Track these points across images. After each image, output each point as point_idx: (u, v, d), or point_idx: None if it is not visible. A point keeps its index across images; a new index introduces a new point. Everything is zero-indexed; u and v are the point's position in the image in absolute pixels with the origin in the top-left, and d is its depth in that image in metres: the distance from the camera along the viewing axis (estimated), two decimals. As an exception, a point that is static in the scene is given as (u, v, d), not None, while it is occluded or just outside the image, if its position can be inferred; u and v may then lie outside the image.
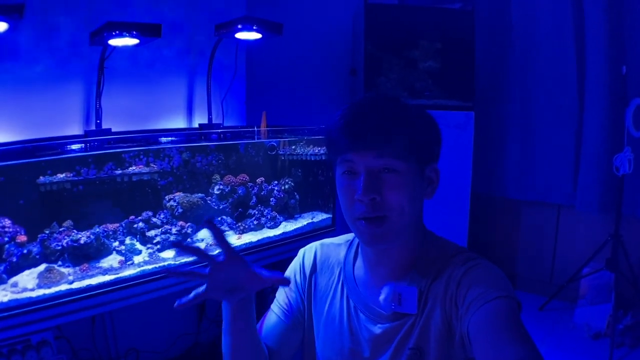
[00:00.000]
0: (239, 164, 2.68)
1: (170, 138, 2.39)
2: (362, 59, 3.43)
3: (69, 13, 2.14)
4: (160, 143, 2.34)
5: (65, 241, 1.94)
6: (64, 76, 2.18)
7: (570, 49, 3.41)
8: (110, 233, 2.13)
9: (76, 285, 1.82)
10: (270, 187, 2.66)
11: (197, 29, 2.62)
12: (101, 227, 2.09)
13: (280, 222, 2.61)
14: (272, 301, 1.18)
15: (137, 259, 2.08)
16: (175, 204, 2.34)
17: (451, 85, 3.55)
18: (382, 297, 0.99)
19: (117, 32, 1.94)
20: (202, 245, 2.25)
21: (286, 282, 0.97)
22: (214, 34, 2.44)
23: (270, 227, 2.54)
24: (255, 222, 2.52)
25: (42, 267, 1.88)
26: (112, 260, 2.03)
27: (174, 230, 2.24)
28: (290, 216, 2.69)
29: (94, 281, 1.86)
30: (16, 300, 1.68)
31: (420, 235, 1.02)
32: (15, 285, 1.76)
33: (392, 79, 3.51)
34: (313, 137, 2.70)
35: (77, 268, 1.91)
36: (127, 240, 2.18)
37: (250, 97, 2.98)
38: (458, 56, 3.52)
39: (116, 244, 2.12)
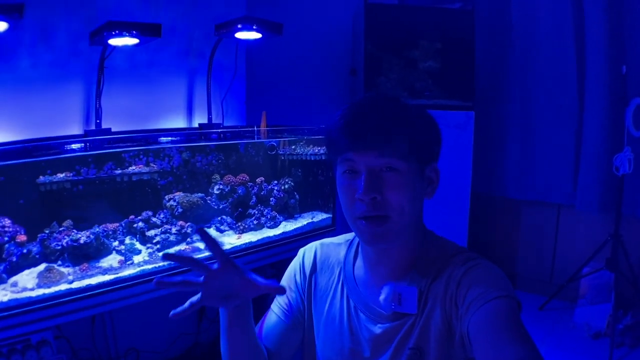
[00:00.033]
0: (239, 163, 2.68)
1: (170, 138, 2.39)
2: (362, 59, 3.43)
3: (69, 13, 2.14)
4: (160, 143, 2.34)
5: (65, 241, 1.94)
6: (63, 76, 2.18)
7: (570, 48, 3.41)
8: (110, 233, 2.13)
9: (76, 284, 1.82)
10: (270, 186, 2.66)
11: (197, 29, 2.62)
12: (101, 226, 2.09)
13: (280, 222, 2.61)
14: (271, 301, 1.18)
15: (136, 258, 2.08)
16: (175, 204, 2.34)
17: (451, 85, 3.55)
18: (382, 297, 0.99)
19: (117, 31, 1.93)
20: (201, 246, 2.25)
21: (282, 291, 0.96)
22: (214, 33, 2.44)
23: (270, 227, 2.54)
24: (255, 222, 2.52)
25: (42, 266, 1.88)
26: (112, 260, 2.03)
27: (173, 230, 2.24)
28: (290, 216, 2.69)
29: (93, 281, 1.86)
30: (16, 299, 1.68)
31: (420, 235, 1.02)
32: (15, 284, 1.76)
33: (392, 79, 3.51)
34: (313, 137, 2.70)
35: (77, 268, 1.91)
36: (127, 240, 2.18)
37: (250, 97, 2.98)
38: (458, 56, 3.52)
39: (116, 243, 2.12)
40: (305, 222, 2.65)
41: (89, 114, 2.28)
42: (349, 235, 1.16)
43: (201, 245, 2.26)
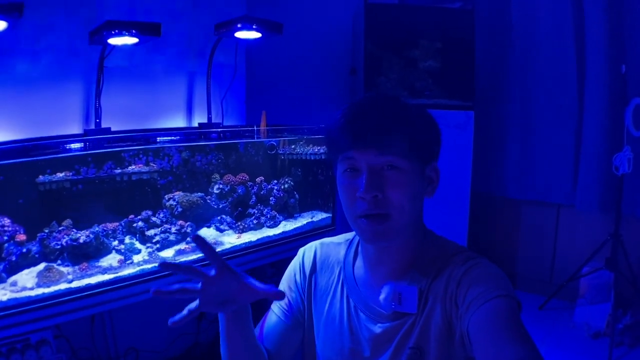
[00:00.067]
0: (239, 163, 2.68)
1: (169, 137, 2.39)
2: (362, 59, 3.43)
3: (68, 12, 2.14)
4: (160, 142, 2.33)
5: (64, 240, 1.94)
6: (63, 75, 2.18)
7: (570, 48, 3.41)
8: (110, 232, 2.13)
9: (75, 284, 1.82)
10: (269, 186, 2.66)
11: (196, 28, 2.61)
12: (100, 226, 2.09)
13: (280, 222, 2.61)
14: (271, 301, 1.18)
15: (136, 258, 2.08)
16: (174, 203, 2.34)
17: (451, 85, 3.55)
18: (382, 297, 0.99)
19: (117, 31, 1.93)
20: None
21: (280, 296, 0.95)
22: (214, 33, 2.43)
23: (269, 227, 2.54)
24: (254, 222, 2.52)
25: (42, 266, 1.88)
26: (112, 259, 2.03)
27: (173, 229, 2.24)
28: (289, 215, 2.69)
29: (93, 280, 1.86)
30: (15, 299, 1.68)
31: (420, 235, 1.02)
32: (14, 284, 1.76)
33: (392, 78, 3.51)
34: (313, 137, 2.70)
35: (77, 267, 1.91)
36: (127, 240, 2.18)
37: (250, 96, 2.98)
38: (458, 56, 3.52)
39: (115, 243, 2.12)
40: (305, 222, 2.65)
41: (88, 114, 2.28)
42: (349, 235, 1.16)
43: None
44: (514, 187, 3.86)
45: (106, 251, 2.06)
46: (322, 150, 2.67)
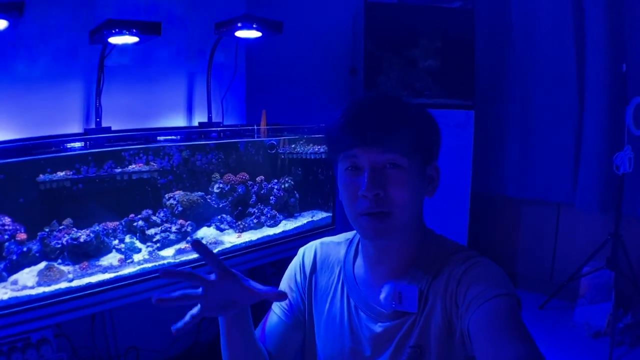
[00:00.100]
0: (239, 162, 2.68)
1: (170, 136, 2.39)
2: (362, 58, 3.43)
3: (69, 11, 2.14)
4: (160, 141, 2.34)
5: (65, 239, 1.94)
6: (63, 74, 2.18)
7: (570, 47, 3.41)
8: (110, 231, 2.13)
9: (76, 283, 1.83)
10: (270, 185, 2.66)
11: (197, 27, 2.61)
12: (101, 225, 2.09)
13: (280, 221, 2.61)
14: (271, 302, 1.18)
15: (136, 257, 2.09)
16: (175, 203, 2.34)
17: (451, 84, 3.54)
18: (382, 296, 0.99)
19: (117, 30, 1.93)
20: (201, 243, 2.25)
21: (282, 297, 0.95)
22: (214, 32, 2.43)
23: (270, 226, 2.54)
24: (255, 221, 2.52)
25: (42, 265, 1.89)
26: (112, 258, 2.03)
27: (173, 228, 2.24)
28: (290, 215, 2.69)
29: (93, 279, 1.87)
30: (16, 298, 1.69)
31: (420, 234, 1.02)
32: (15, 283, 1.76)
33: (392, 78, 3.51)
34: (313, 136, 2.70)
35: (77, 266, 1.92)
36: (127, 239, 2.18)
37: (250, 95, 2.98)
38: (458, 55, 3.52)
39: (116, 242, 2.12)
40: (305, 221, 2.65)
41: (89, 113, 2.28)
42: (349, 234, 1.16)
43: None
44: (514, 187, 3.86)
45: (106, 250, 2.07)
46: (322, 150, 2.67)
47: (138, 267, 2.00)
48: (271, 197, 2.63)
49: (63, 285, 1.80)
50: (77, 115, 2.27)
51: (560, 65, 3.49)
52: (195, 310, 0.87)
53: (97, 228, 2.06)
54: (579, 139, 3.47)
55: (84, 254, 1.98)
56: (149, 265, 2.03)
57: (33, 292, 1.73)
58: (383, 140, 0.91)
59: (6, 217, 1.85)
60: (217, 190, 2.53)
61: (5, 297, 1.68)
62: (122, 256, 2.04)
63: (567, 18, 3.39)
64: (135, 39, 2.04)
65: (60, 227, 1.99)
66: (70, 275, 1.86)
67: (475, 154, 3.52)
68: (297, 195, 2.74)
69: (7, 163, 1.81)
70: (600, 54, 3.23)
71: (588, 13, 3.27)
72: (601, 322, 3.12)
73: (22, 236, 1.87)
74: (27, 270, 1.85)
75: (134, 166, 2.27)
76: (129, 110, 2.42)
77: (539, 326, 3.25)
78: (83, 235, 1.97)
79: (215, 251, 2.11)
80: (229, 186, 2.54)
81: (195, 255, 2.13)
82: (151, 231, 2.21)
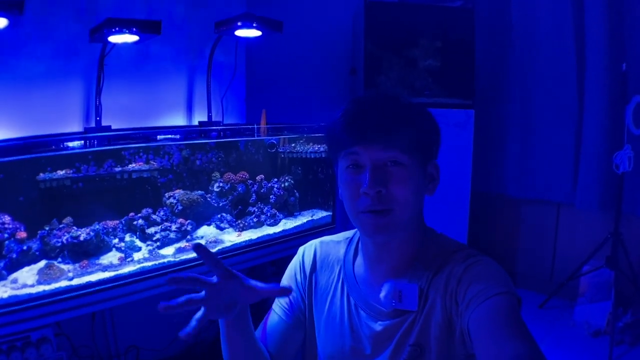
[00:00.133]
0: (239, 161, 2.68)
1: (170, 135, 2.39)
2: (362, 58, 3.43)
3: (69, 9, 2.14)
4: (160, 140, 2.33)
5: (65, 238, 1.94)
6: (63, 73, 2.18)
7: (570, 46, 3.41)
8: (110, 230, 2.13)
9: (76, 281, 1.83)
10: (270, 184, 2.66)
11: (196, 26, 2.61)
12: (101, 224, 2.09)
13: (280, 220, 2.61)
14: (272, 301, 1.18)
15: (136, 255, 2.09)
16: (175, 201, 2.34)
17: (451, 84, 3.54)
18: (382, 294, 0.99)
19: (117, 28, 1.93)
20: (202, 243, 2.25)
21: (286, 292, 0.95)
22: (214, 31, 2.43)
23: (270, 225, 2.54)
24: (255, 220, 2.52)
25: (42, 263, 1.89)
26: (112, 257, 2.03)
27: (173, 227, 2.24)
28: (290, 214, 2.70)
29: (93, 278, 1.87)
30: (16, 296, 1.69)
31: (420, 232, 1.02)
32: (15, 281, 1.76)
33: (392, 77, 3.50)
34: (313, 135, 2.70)
35: (77, 265, 1.92)
36: (127, 237, 2.18)
37: (250, 94, 2.98)
38: (458, 54, 3.51)
39: (116, 241, 2.12)
40: (305, 220, 2.65)
41: (88, 112, 2.28)
42: (349, 233, 1.16)
43: (201, 242, 2.26)
44: (514, 186, 3.86)
45: (106, 249, 2.07)
46: (322, 149, 2.67)
47: (138, 266, 2.00)
48: (271, 196, 2.63)
49: (63, 283, 1.80)
50: (77, 114, 2.27)
51: (560, 64, 3.49)
52: (199, 314, 0.87)
53: (97, 227, 2.06)
54: (578, 138, 3.47)
55: (84, 253, 1.98)
56: (149, 264, 2.03)
57: (33, 290, 1.73)
58: (384, 138, 0.91)
59: (6, 216, 1.85)
60: (217, 189, 2.53)
61: (5, 295, 1.68)
62: (122, 255, 2.04)
63: (567, 17, 3.39)
64: (135, 38, 2.03)
65: (60, 226, 1.99)
66: (70, 274, 1.86)
67: (475, 154, 3.52)
68: (297, 194, 2.74)
69: (7, 161, 1.81)
70: (600, 53, 3.23)
71: (588, 12, 3.27)
72: (601, 321, 3.12)
73: (22, 235, 1.87)
74: (27, 268, 1.85)
75: (134, 165, 2.27)
76: (129, 109, 2.42)
77: (539, 325, 3.25)
78: (83, 233, 1.97)
79: (215, 250, 2.13)
80: (229, 185, 2.54)
81: (194, 254, 2.13)
82: (151, 230, 2.21)
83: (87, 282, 1.83)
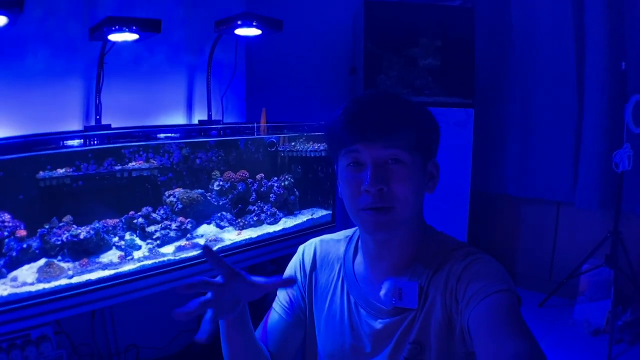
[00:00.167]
0: (239, 160, 2.68)
1: (170, 134, 2.39)
2: (362, 57, 3.42)
3: (69, 8, 2.14)
4: (160, 139, 2.33)
5: (64, 236, 1.94)
6: (63, 71, 2.18)
7: (570, 45, 3.41)
8: (110, 228, 2.13)
9: (76, 280, 1.82)
10: (270, 183, 2.66)
11: (196, 25, 2.61)
12: (101, 222, 2.09)
13: (280, 218, 2.61)
14: (272, 300, 1.18)
15: (136, 254, 2.09)
16: (175, 200, 2.34)
17: (451, 83, 3.54)
18: (382, 292, 0.99)
19: (117, 27, 1.93)
20: (201, 241, 2.26)
21: (290, 282, 0.97)
22: (214, 30, 2.43)
23: (270, 223, 2.55)
24: (255, 218, 2.52)
25: (42, 261, 1.89)
26: (112, 255, 2.03)
27: (173, 225, 2.24)
28: (290, 212, 2.70)
29: (93, 276, 1.87)
30: (16, 294, 1.68)
31: (420, 230, 1.02)
32: (14, 279, 1.76)
33: (392, 76, 3.50)
34: (313, 134, 2.70)
35: (77, 263, 1.92)
36: (127, 236, 2.18)
37: (250, 93, 2.98)
38: (458, 53, 3.51)
39: (116, 239, 2.12)
40: (305, 219, 2.65)
41: (88, 110, 2.28)
42: (349, 232, 1.16)
43: (201, 241, 2.27)
44: (514, 185, 3.86)
45: (106, 247, 2.07)
46: (322, 147, 2.67)
47: (138, 264, 2.00)
48: (271, 195, 2.63)
49: (63, 281, 1.80)
50: (77, 113, 2.27)
51: (560, 63, 3.49)
52: (208, 315, 0.87)
53: (97, 225, 2.06)
54: (578, 137, 3.47)
55: (84, 251, 1.98)
56: (149, 262, 2.03)
57: (33, 288, 1.73)
58: (385, 136, 0.91)
59: (6, 214, 1.85)
60: (217, 188, 2.54)
61: (5, 293, 1.67)
62: (122, 253, 2.04)
63: (567, 16, 3.40)
64: (135, 37, 2.03)
65: (60, 224, 1.99)
66: (70, 272, 1.86)
67: (475, 153, 3.52)
68: (297, 192, 2.74)
69: (6, 159, 1.80)
70: (600, 52, 3.23)
71: (588, 11, 3.27)
72: (600, 319, 3.12)
73: (22, 233, 1.87)
74: (26, 266, 1.85)
75: (134, 163, 2.27)
76: (129, 107, 2.42)
77: (538, 324, 3.25)
78: (83, 232, 1.97)
79: (215, 248, 2.12)
80: (229, 184, 2.54)
81: (194, 253, 2.14)
82: (151, 228, 2.21)
83: (87, 281, 1.83)
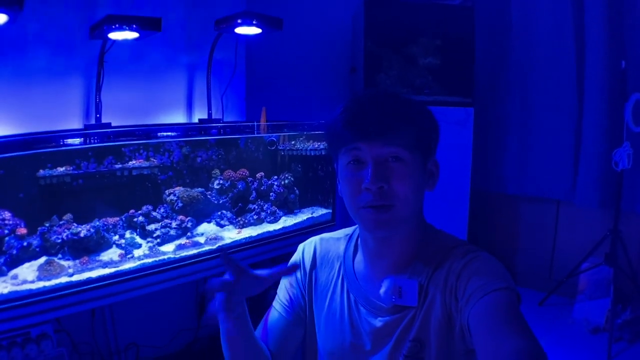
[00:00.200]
0: (239, 158, 2.68)
1: (170, 133, 2.39)
2: (361, 56, 3.42)
3: (69, 6, 2.14)
4: (160, 137, 2.34)
5: (65, 234, 1.95)
6: (63, 70, 2.18)
7: (570, 44, 3.41)
8: (110, 227, 2.13)
9: (76, 278, 1.83)
10: (270, 182, 2.66)
11: (197, 24, 2.61)
12: (101, 220, 2.09)
13: (280, 217, 2.61)
14: (272, 299, 1.19)
15: (137, 252, 2.09)
16: (175, 198, 2.34)
17: (451, 82, 3.54)
18: (382, 290, 0.99)
19: (117, 25, 1.93)
20: (202, 240, 2.26)
21: (293, 269, 1.02)
22: (214, 28, 2.43)
23: (270, 222, 2.55)
24: (255, 217, 2.52)
25: (42, 259, 1.89)
26: (112, 253, 2.04)
27: (173, 224, 2.25)
28: (290, 211, 2.70)
29: (93, 274, 1.87)
30: (16, 292, 1.69)
31: (420, 228, 1.03)
32: (15, 277, 1.77)
33: (392, 75, 3.50)
34: (313, 132, 2.70)
35: (77, 261, 1.92)
36: (127, 234, 2.19)
37: (250, 92, 2.97)
38: (458, 53, 3.51)
39: (116, 237, 2.13)
40: (305, 217, 2.65)
41: (88, 108, 2.28)
42: (349, 230, 1.16)
43: (201, 239, 2.27)
44: (514, 184, 3.86)
45: (107, 245, 2.07)
46: (322, 146, 2.68)
47: (138, 263, 2.00)
48: (271, 194, 2.63)
49: (63, 280, 1.80)
50: (77, 111, 2.26)
51: (560, 62, 3.49)
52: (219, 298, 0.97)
53: (98, 223, 2.06)
54: (578, 136, 3.47)
55: (84, 249, 1.98)
56: (149, 260, 2.03)
57: (33, 286, 1.73)
58: (386, 134, 0.91)
59: (6, 212, 1.86)
60: (217, 187, 2.54)
61: (5, 291, 1.68)
62: (123, 251, 2.05)
63: (566, 15, 3.39)
64: (135, 35, 2.03)
65: (61, 222, 2.00)
66: (71, 270, 1.86)
67: (475, 152, 3.52)
68: (297, 191, 2.74)
69: (7, 157, 1.81)
70: (599, 51, 3.23)
71: (588, 9, 3.27)
72: (600, 318, 3.12)
73: (22, 231, 1.87)
74: (27, 264, 1.85)
75: (134, 162, 2.27)
76: (129, 106, 2.42)
77: (538, 322, 3.25)
78: (83, 230, 1.97)
79: (215, 247, 2.14)
80: (229, 182, 2.55)
81: (194, 251, 2.15)
82: (151, 227, 2.21)
83: (87, 279, 1.83)
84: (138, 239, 2.17)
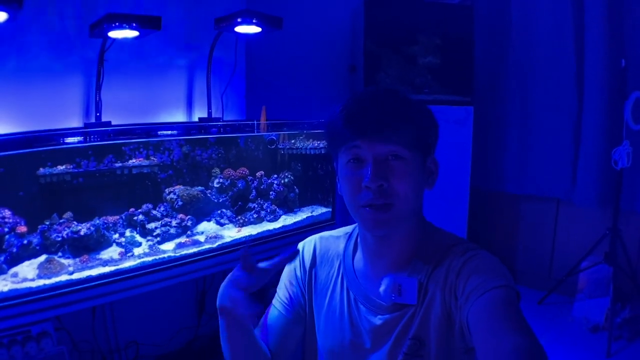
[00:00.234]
0: (239, 157, 2.68)
1: (170, 131, 2.39)
2: (361, 55, 3.42)
3: (69, 4, 2.14)
4: (160, 136, 2.33)
5: (65, 232, 1.95)
6: (63, 68, 2.18)
7: (570, 43, 3.41)
8: (110, 225, 2.13)
9: (76, 276, 1.83)
10: (269, 180, 2.66)
11: (196, 23, 2.61)
12: (101, 219, 2.10)
13: (280, 216, 2.61)
14: (272, 296, 1.19)
15: (137, 251, 2.09)
16: (175, 197, 2.34)
17: (450, 81, 3.54)
18: (382, 289, 0.99)
19: (117, 24, 1.93)
20: (202, 239, 2.26)
21: (296, 254, 1.04)
22: (214, 27, 2.43)
23: (270, 221, 2.55)
24: (255, 216, 2.53)
25: (42, 257, 1.89)
26: (112, 252, 2.04)
27: (173, 223, 2.25)
28: (289, 210, 2.70)
29: (93, 272, 1.87)
30: (16, 290, 1.69)
31: (420, 226, 1.03)
32: (15, 275, 1.77)
33: (392, 74, 3.50)
34: (313, 131, 2.71)
35: (77, 259, 1.92)
36: (127, 233, 2.19)
37: (250, 91, 2.97)
38: (457, 52, 3.51)
39: (116, 236, 2.13)
40: (304, 216, 2.65)
41: (88, 107, 2.28)
42: (348, 228, 1.17)
43: (201, 238, 2.27)
44: (513, 183, 3.87)
45: (107, 244, 2.07)
46: (322, 145, 2.68)
47: (138, 261, 2.00)
48: (271, 192, 2.63)
49: (63, 278, 1.80)
50: (77, 110, 2.26)
51: (560, 61, 3.49)
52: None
53: (98, 222, 2.06)
54: (577, 135, 3.47)
55: (85, 248, 1.98)
56: (149, 259, 2.03)
57: (33, 284, 1.73)
58: (386, 132, 0.91)
59: (6, 210, 1.86)
60: (217, 185, 2.54)
61: (5, 289, 1.68)
62: (123, 250, 2.05)
63: (566, 14, 3.39)
64: (135, 33, 2.03)
65: (61, 221, 2.00)
66: (71, 268, 1.86)
67: (475, 150, 3.53)
68: (296, 190, 2.74)
69: (7, 156, 1.81)
70: (599, 50, 3.23)
71: (588, 8, 3.27)
72: (599, 316, 3.13)
73: (22, 229, 1.87)
74: (27, 263, 1.85)
75: (134, 161, 2.27)
76: (129, 105, 2.41)
77: (537, 321, 3.25)
78: (83, 228, 1.97)
79: (215, 245, 2.14)
80: (229, 181, 2.55)
81: (194, 250, 2.15)
82: (151, 225, 2.21)
83: (87, 277, 1.84)
84: (138, 238, 2.17)
